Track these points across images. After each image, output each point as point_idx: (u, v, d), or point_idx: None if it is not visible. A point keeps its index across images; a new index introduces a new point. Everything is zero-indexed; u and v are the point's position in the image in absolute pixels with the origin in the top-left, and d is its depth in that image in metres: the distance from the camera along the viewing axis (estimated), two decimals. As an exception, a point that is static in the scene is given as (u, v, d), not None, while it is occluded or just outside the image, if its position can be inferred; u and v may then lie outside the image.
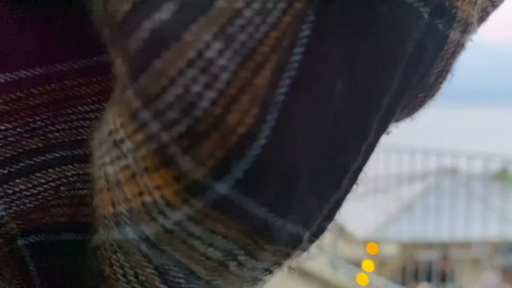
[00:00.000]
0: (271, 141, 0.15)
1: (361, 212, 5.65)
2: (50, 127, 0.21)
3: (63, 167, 0.21)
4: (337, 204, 0.19)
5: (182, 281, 0.18)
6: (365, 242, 5.83)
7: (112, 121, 0.16)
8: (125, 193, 0.16)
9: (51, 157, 0.21)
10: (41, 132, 0.20)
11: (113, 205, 0.17)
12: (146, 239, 0.16)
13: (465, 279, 6.98)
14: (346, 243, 5.86)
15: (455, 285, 6.30)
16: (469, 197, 5.66)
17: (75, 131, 0.21)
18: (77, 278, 0.22)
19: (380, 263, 5.87)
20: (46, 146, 0.21)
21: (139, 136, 0.14)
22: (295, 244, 0.18)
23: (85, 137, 0.21)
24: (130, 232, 0.17)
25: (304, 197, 0.17)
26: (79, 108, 0.21)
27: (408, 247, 5.89)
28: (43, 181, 0.21)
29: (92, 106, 0.21)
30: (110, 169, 0.17)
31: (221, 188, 0.14)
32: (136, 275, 0.18)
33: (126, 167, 0.16)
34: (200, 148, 0.14)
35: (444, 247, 6.00)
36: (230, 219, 0.15)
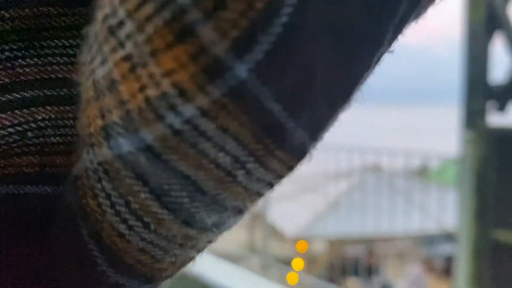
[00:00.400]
0: (292, 21, 0.13)
1: (291, 210, 5.64)
2: (20, 60, 0.18)
3: (32, 109, 0.19)
4: (333, 122, 0.18)
5: (186, 200, 0.16)
6: (295, 241, 5.82)
7: (109, 1, 0.14)
8: (120, 94, 0.14)
9: (18, 96, 0.18)
10: (8, 64, 0.18)
11: (103, 116, 0.15)
12: (147, 149, 0.14)
13: (391, 272, 7.22)
14: (277, 242, 5.84)
15: (381, 278, 6.46)
16: (392, 193, 5.84)
17: (49, 68, 0.19)
18: (46, 232, 0.18)
19: (310, 261, 5.88)
20: (14, 82, 0.18)
21: (147, 8, 0.13)
22: (300, 154, 0.17)
23: (60, 75, 0.19)
24: (124, 145, 0.14)
25: (316, 101, 0.16)
26: (56, 41, 0.18)
27: (335, 244, 5.95)
28: (7, 123, 0.18)
29: (71, 41, 0.19)
30: (100, 71, 0.14)
31: (241, 70, 0.13)
32: (127, 204, 0.16)
33: (124, 59, 0.14)
34: (225, 13, 0.12)
35: (370, 242, 6.14)
36: (245, 113, 0.14)
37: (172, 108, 0.13)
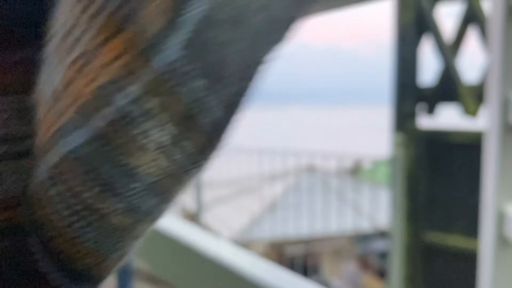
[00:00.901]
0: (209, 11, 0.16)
1: (227, 214, 5.47)
2: None
3: None
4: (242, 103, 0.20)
5: (133, 188, 0.17)
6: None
7: (63, 14, 0.16)
8: (74, 90, 0.15)
9: None
10: None
11: (59, 117, 0.16)
12: (98, 137, 0.15)
13: (328, 270, 7.28)
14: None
15: (319, 277, 6.47)
16: (326, 194, 5.86)
17: None
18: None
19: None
20: None
21: (91, 9, 0.14)
22: (217, 133, 0.18)
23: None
24: (76, 139, 0.15)
25: (231, 79, 0.18)
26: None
27: (273, 246, 5.85)
28: None
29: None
30: (56, 78, 0.16)
31: (172, 50, 0.15)
32: (81, 201, 0.16)
33: (75, 60, 0.15)
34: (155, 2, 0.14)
35: (307, 242, 6.11)
36: (180, 87, 0.15)
37: (120, 90, 0.14)
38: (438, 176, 2.52)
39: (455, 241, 2.41)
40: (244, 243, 5.62)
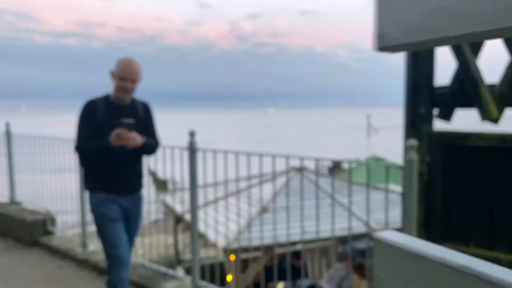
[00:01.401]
0: None
1: (217, 218, 5.25)
2: None
3: None
4: None
5: None
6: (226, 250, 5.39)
7: None
8: None
9: None
10: None
11: None
12: None
13: (316, 270, 7.17)
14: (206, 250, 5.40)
15: (308, 278, 6.30)
16: (316, 195, 5.69)
17: None
18: None
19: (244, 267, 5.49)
20: None
21: None
22: None
23: None
24: None
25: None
26: None
27: (266, 249, 5.63)
28: None
29: None
30: None
31: None
32: None
33: None
34: None
35: (296, 243, 5.93)
36: None
37: None
38: (454, 182, 2.35)
39: (472, 254, 2.25)
40: (236, 248, 5.46)
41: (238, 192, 5.39)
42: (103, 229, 2.79)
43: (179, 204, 7.50)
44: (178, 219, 7.55)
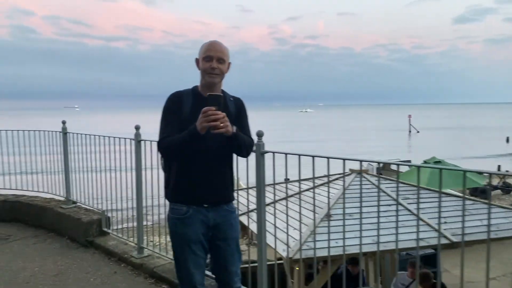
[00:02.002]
0: None
1: (278, 223, 4.82)
2: None
3: None
4: None
5: None
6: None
7: None
8: None
9: None
10: None
11: None
12: None
13: (372, 277, 6.61)
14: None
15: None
16: (380, 200, 5.12)
17: None
18: None
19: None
20: None
21: None
22: None
23: None
24: None
25: None
26: None
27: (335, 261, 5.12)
28: None
29: None
30: None
31: None
32: None
33: None
34: None
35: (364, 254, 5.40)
36: None
37: None
38: None
39: None
40: (300, 258, 4.99)
41: (298, 195, 4.94)
42: (179, 251, 2.32)
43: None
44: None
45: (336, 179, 6.32)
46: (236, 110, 2.39)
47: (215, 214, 2.32)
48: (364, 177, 6.23)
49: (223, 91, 2.35)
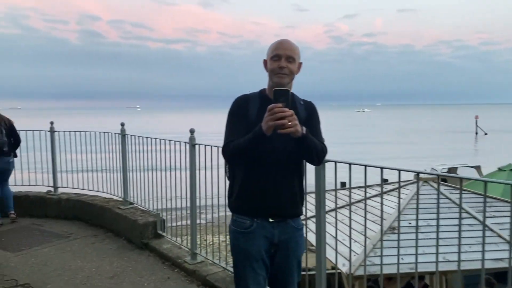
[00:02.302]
0: None
1: (339, 235, 4.54)
2: None
3: None
4: None
5: None
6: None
7: None
8: None
9: None
10: None
11: None
12: None
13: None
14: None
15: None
16: (450, 211, 4.67)
17: None
18: None
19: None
20: None
21: None
22: None
23: None
24: None
25: None
26: None
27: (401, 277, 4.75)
28: None
29: None
30: None
31: None
32: None
33: None
34: None
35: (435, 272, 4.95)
36: None
37: None
38: None
39: None
40: (364, 274, 4.65)
41: (363, 203, 4.62)
42: (239, 266, 2.16)
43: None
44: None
45: (401, 187, 5.87)
46: (307, 115, 2.16)
47: (280, 231, 2.11)
48: (431, 185, 5.75)
49: (293, 94, 2.15)
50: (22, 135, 6.28)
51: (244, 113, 2.10)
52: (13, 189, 6.40)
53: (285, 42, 2.09)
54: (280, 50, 2.06)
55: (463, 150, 40.85)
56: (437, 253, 2.47)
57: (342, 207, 4.87)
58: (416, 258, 2.69)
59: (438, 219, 2.36)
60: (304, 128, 1.92)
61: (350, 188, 2.78)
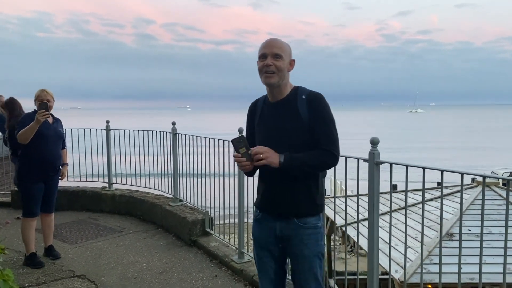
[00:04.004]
0: None
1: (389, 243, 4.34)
2: None
3: None
4: None
5: None
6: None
7: None
8: None
9: None
10: None
11: None
12: None
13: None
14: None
15: None
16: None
17: None
18: None
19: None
20: None
21: None
22: None
23: None
24: None
25: None
26: None
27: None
28: None
29: None
30: None
31: None
32: None
33: None
34: None
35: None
36: None
37: None
38: None
39: None
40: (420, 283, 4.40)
41: (422, 209, 4.41)
42: (254, 254, 2.30)
43: (337, 212, 6.75)
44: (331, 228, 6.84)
45: (456, 191, 5.54)
46: (309, 112, 1.98)
47: (282, 225, 2.09)
48: (494, 190, 5.36)
49: (297, 88, 2.08)
50: (80, 133, 6.61)
51: (252, 119, 2.20)
52: (72, 184, 6.74)
53: (271, 41, 2.04)
54: (266, 48, 2.01)
55: (527, 153, 38.09)
56: (504, 263, 2.26)
57: (396, 210, 4.66)
58: (480, 268, 2.48)
59: (506, 226, 2.15)
60: (283, 156, 1.91)
61: (406, 191, 2.63)
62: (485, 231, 4.29)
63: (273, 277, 2.19)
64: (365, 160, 2.74)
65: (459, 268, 2.55)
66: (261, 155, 1.90)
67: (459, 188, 5.89)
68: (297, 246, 2.07)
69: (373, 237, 2.77)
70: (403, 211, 5.39)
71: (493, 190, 5.38)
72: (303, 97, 2.01)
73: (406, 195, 2.63)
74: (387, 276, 5.11)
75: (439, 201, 5.81)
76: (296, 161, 1.92)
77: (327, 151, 1.95)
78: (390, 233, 2.66)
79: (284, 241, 2.10)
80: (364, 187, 2.83)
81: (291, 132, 1.98)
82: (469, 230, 4.48)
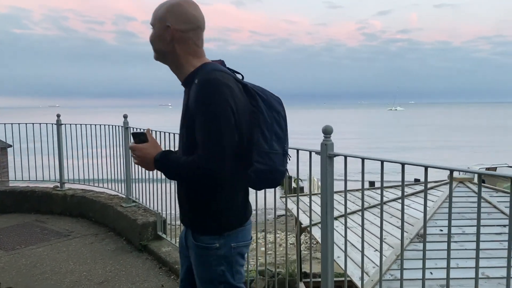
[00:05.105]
0: None
1: (358, 241, 3.98)
2: None
3: None
4: None
5: None
6: None
7: None
8: None
9: None
10: None
11: None
12: None
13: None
14: None
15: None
16: (491, 216, 4.02)
17: None
18: None
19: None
20: None
21: None
22: None
23: None
24: None
25: None
26: None
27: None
28: None
29: None
30: None
31: None
32: None
33: None
34: None
35: None
36: None
37: None
38: None
39: None
40: None
41: (381, 206, 4.05)
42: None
43: (304, 212, 6.39)
44: (302, 227, 6.50)
45: (431, 188, 5.22)
46: (192, 98, 1.47)
47: (187, 234, 1.69)
48: (468, 187, 5.06)
49: (200, 67, 1.56)
50: (29, 128, 6.06)
51: None
52: (21, 184, 6.19)
53: (154, 10, 1.62)
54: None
55: (505, 150, 38.71)
56: (476, 267, 1.90)
57: (355, 212, 4.29)
58: (448, 273, 2.11)
59: (478, 226, 1.79)
60: (158, 155, 1.56)
61: (362, 189, 2.25)
62: (458, 231, 3.96)
63: (183, 275, 1.80)
64: (317, 153, 2.35)
65: (423, 275, 2.17)
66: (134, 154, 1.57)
67: (432, 184, 5.58)
68: (193, 263, 1.66)
69: (326, 242, 2.38)
70: (373, 210, 5.05)
71: (468, 187, 5.09)
72: (195, 81, 1.47)
73: (362, 192, 2.24)
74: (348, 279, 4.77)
75: (412, 198, 5.51)
76: (166, 163, 1.53)
77: (193, 159, 1.43)
78: (345, 236, 2.27)
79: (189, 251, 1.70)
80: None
81: (182, 128, 1.56)
82: (441, 230, 4.16)
